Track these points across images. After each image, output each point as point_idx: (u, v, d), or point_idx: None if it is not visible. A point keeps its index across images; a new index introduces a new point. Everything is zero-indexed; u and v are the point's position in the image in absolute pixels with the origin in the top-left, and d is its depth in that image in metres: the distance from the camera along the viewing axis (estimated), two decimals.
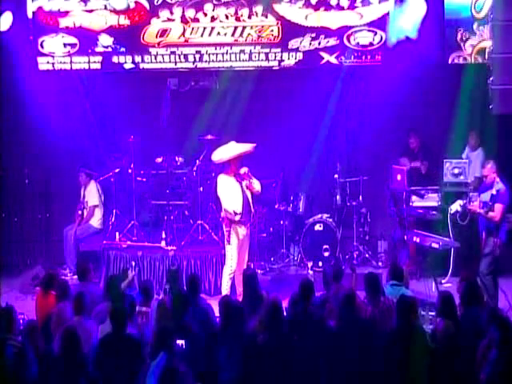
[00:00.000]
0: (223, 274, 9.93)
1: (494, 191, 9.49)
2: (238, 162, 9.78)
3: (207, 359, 7.04)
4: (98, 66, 11.60)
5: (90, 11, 11.48)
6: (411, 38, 11.15)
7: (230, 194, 9.73)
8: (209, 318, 7.78)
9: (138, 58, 11.53)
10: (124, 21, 11.46)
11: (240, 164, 9.80)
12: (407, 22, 11.23)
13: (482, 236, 9.63)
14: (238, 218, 9.71)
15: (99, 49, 11.55)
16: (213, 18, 11.38)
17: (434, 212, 11.12)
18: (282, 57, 11.38)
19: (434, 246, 9.75)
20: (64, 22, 11.53)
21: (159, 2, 11.38)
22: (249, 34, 11.35)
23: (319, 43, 11.30)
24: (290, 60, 11.39)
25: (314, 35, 11.27)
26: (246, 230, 9.85)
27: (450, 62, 11.25)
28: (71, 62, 11.61)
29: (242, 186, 9.75)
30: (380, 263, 11.60)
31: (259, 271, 10.87)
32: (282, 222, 11.81)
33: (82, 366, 6.67)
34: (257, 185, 9.84)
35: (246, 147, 9.89)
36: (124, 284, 8.85)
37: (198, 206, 11.39)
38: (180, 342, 6.56)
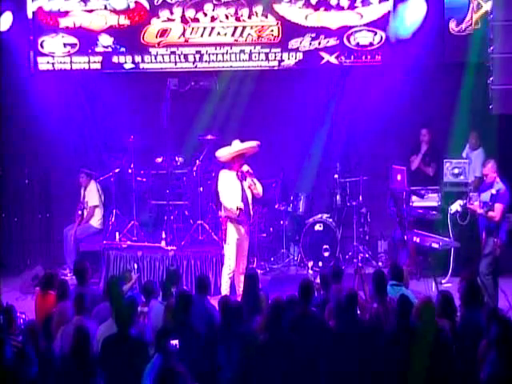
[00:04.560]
0: (222, 274, 9.91)
1: (493, 191, 9.47)
2: (241, 160, 9.77)
3: (207, 359, 7.05)
4: (98, 66, 11.62)
5: (90, 11, 11.50)
6: (408, 38, 11.19)
7: (229, 190, 9.72)
8: (213, 318, 7.78)
9: (138, 58, 11.54)
10: (124, 21, 11.47)
11: (243, 162, 9.78)
12: (407, 22, 11.25)
13: (482, 236, 9.62)
14: (237, 212, 9.68)
15: (99, 49, 11.57)
16: (213, 18, 11.39)
17: (434, 212, 11.11)
18: (282, 57, 11.39)
19: (434, 246, 9.75)
20: (64, 22, 11.55)
21: (159, 2, 11.39)
22: (249, 34, 11.36)
23: (319, 43, 11.31)
24: (289, 60, 11.39)
25: (313, 35, 11.29)
26: (245, 229, 9.82)
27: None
28: (71, 61, 11.63)
29: (242, 185, 9.74)
30: (380, 263, 11.59)
31: (259, 271, 10.86)
32: (281, 222, 11.81)
33: (93, 366, 6.68)
34: (259, 187, 9.81)
35: (249, 144, 9.88)
36: (127, 286, 8.83)
37: (198, 206, 11.39)
38: (174, 341, 6.55)
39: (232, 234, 9.76)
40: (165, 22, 11.45)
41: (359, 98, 11.81)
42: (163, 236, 11.11)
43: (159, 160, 11.61)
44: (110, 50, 11.57)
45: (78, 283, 8.58)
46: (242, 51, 11.44)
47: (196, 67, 11.60)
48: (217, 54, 11.47)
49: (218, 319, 7.69)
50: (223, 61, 11.50)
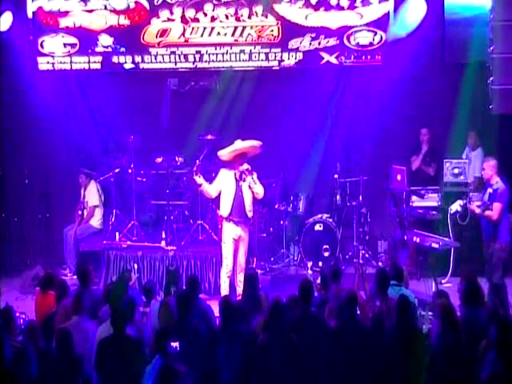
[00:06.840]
0: (221, 274, 9.93)
1: (491, 190, 9.44)
2: (242, 159, 9.76)
3: (207, 359, 7.05)
4: (98, 66, 11.61)
5: (90, 11, 11.50)
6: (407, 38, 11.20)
7: (221, 187, 9.76)
8: (209, 318, 7.79)
9: (138, 58, 11.54)
10: (124, 21, 11.47)
11: (245, 162, 9.77)
12: (407, 21, 11.25)
13: (485, 241, 9.50)
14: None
15: (99, 49, 11.57)
16: (213, 18, 11.39)
17: (433, 212, 11.11)
18: (282, 57, 11.39)
19: (434, 246, 9.74)
20: (64, 22, 11.54)
21: (159, 2, 11.39)
22: (249, 34, 11.36)
23: (319, 43, 11.31)
24: (289, 60, 11.39)
25: (313, 35, 11.28)
26: (242, 229, 9.80)
27: None
28: (71, 61, 11.63)
29: (238, 185, 9.73)
30: (380, 263, 11.57)
31: (259, 271, 10.87)
32: (281, 222, 11.81)
33: (76, 367, 6.67)
34: (259, 188, 9.80)
35: (250, 143, 9.87)
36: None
37: (198, 206, 11.39)
38: (174, 344, 6.56)
39: (228, 233, 9.77)
40: (165, 22, 11.44)
41: (359, 97, 11.82)
42: (163, 236, 11.11)
43: (159, 160, 11.60)
44: (109, 50, 11.56)
45: (81, 285, 8.56)
46: (242, 51, 11.43)
47: (196, 67, 11.59)
48: (217, 54, 11.47)
49: (213, 319, 7.71)
50: (223, 61, 11.49)
